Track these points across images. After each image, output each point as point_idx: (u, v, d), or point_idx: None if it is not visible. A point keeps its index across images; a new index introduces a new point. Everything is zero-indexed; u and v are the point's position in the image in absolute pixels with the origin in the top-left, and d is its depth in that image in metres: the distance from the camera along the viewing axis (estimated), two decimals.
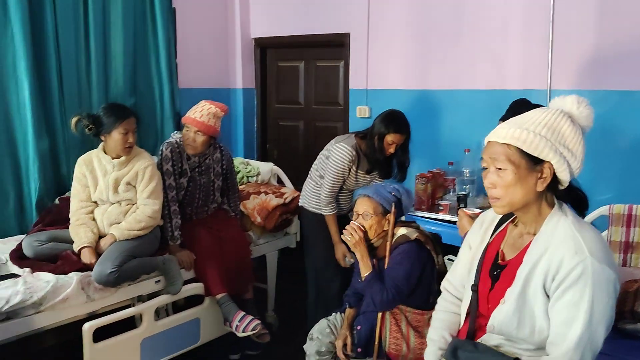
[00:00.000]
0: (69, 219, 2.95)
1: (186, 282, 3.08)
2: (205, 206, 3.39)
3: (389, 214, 2.59)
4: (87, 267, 2.75)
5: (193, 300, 3.18)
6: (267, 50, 4.88)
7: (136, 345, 2.84)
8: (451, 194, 3.59)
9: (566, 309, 1.42)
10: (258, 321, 3.05)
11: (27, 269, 2.68)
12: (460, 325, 1.78)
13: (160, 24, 3.98)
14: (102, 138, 2.94)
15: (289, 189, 3.98)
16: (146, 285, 2.95)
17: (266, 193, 3.77)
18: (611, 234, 2.78)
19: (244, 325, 3.03)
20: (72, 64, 3.51)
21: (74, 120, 2.94)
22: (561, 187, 1.53)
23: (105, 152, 2.97)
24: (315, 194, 3.36)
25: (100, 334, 2.69)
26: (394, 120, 3.11)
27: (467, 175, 3.54)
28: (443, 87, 3.83)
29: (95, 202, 2.99)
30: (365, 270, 2.53)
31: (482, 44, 3.63)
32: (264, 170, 4.20)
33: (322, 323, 2.72)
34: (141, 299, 2.96)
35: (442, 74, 3.82)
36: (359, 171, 3.26)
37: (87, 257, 2.78)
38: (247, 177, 4.19)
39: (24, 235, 3.02)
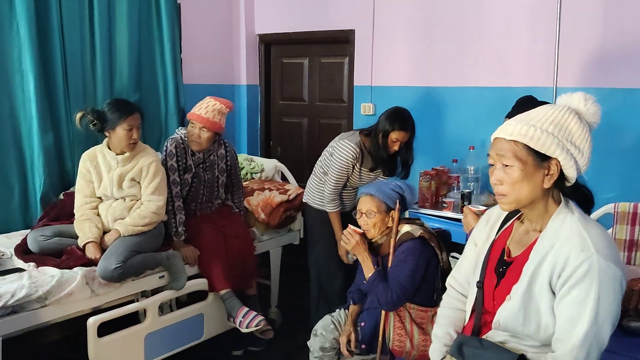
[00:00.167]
0: (74, 214, 2.96)
1: (190, 278, 3.08)
2: (209, 202, 3.39)
3: (392, 211, 2.59)
4: (92, 262, 2.76)
5: (196, 296, 3.18)
6: (271, 47, 4.87)
7: (140, 340, 2.84)
8: (455, 191, 3.58)
9: (572, 306, 1.42)
10: (261, 317, 3.06)
11: (32, 264, 2.69)
12: (465, 322, 1.78)
13: (165, 19, 3.98)
14: (107, 134, 2.94)
15: (292, 185, 3.98)
16: (150, 280, 2.96)
17: (270, 189, 3.78)
18: (616, 232, 2.77)
19: (248, 321, 3.03)
20: (77, 58, 3.51)
21: (78, 115, 2.94)
22: (568, 184, 1.53)
23: (109, 148, 2.97)
24: (319, 191, 3.37)
25: (105, 329, 2.70)
26: (399, 118, 3.11)
27: (472, 172, 3.53)
28: (448, 84, 3.82)
29: (100, 198, 3.00)
30: (368, 271, 2.55)
31: (488, 41, 3.62)
32: (267, 167, 4.20)
33: (326, 319, 2.72)
34: (145, 294, 2.96)
35: (447, 71, 3.81)
36: (362, 168, 3.25)
37: (91, 252, 2.78)
38: (251, 173, 4.19)
39: (28, 230, 3.03)
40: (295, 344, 3.37)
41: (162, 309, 3.02)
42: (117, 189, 2.95)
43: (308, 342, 2.71)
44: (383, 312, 2.53)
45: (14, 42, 3.21)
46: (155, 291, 2.99)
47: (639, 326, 2.29)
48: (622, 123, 3.19)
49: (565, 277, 1.44)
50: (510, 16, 3.52)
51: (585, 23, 3.25)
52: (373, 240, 2.61)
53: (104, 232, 2.92)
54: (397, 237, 2.56)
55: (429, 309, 2.52)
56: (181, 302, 3.30)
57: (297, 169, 4.36)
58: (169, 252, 3.02)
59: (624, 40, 3.16)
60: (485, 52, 3.65)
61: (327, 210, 3.30)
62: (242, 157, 4.24)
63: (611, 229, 2.78)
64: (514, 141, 1.49)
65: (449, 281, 1.93)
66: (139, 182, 2.98)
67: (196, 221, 3.27)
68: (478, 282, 1.68)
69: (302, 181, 3.99)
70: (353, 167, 3.22)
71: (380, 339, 2.55)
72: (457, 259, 1.94)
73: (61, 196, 3.39)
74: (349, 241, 2.56)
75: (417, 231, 2.52)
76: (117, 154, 2.95)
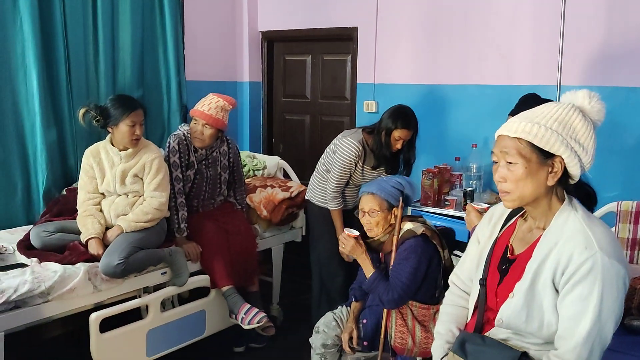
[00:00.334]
0: (77, 210, 2.96)
1: (192, 275, 3.09)
2: (211, 199, 3.39)
3: (394, 208, 2.60)
4: (94, 258, 2.76)
5: (198, 293, 3.19)
6: (274, 44, 4.87)
7: (142, 336, 2.85)
8: (457, 189, 3.58)
9: (575, 303, 1.42)
10: (263, 314, 3.06)
11: (35, 259, 2.70)
12: (467, 319, 1.78)
13: (168, 16, 3.98)
14: (110, 130, 2.94)
15: (295, 182, 3.98)
16: (152, 276, 2.96)
17: (272, 187, 3.78)
18: (619, 230, 2.77)
19: (250, 317, 3.04)
20: (80, 55, 3.51)
21: (81, 111, 2.94)
22: (572, 182, 1.53)
23: (112, 144, 2.97)
24: (321, 188, 3.37)
25: (107, 325, 2.70)
26: (402, 116, 3.10)
27: (474, 170, 3.53)
28: (451, 82, 3.82)
29: (103, 194, 3.00)
30: (368, 272, 2.57)
31: (492, 39, 3.61)
32: (270, 164, 4.20)
33: (328, 316, 2.72)
34: (147, 290, 2.97)
35: (450, 69, 3.80)
36: (365, 166, 3.25)
37: (94, 248, 2.79)
38: (254, 170, 4.19)
39: (31, 226, 3.04)
40: (296, 341, 3.37)
41: (164, 305, 3.03)
42: (120, 185, 2.95)
43: (310, 339, 2.72)
44: (385, 310, 2.54)
45: (17, 38, 3.21)
46: (157, 287, 3.00)
47: None
48: (626, 121, 3.18)
49: (568, 275, 1.44)
50: (514, 14, 3.51)
51: (589, 21, 3.24)
52: (376, 238, 2.62)
53: (107, 228, 2.92)
54: (400, 235, 2.56)
55: (431, 306, 2.52)
56: (183, 299, 3.31)
57: (299, 166, 4.36)
58: (171, 249, 3.02)
59: (627, 38, 3.15)
60: (488, 49, 3.64)
61: (330, 208, 3.30)
62: (245, 154, 4.24)
63: (614, 227, 2.78)
64: (518, 138, 1.49)
65: (452, 278, 1.93)
66: (141, 178, 2.99)
67: (198, 218, 3.27)
68: (481, 279, 1.68)
69: (304, 178, 4.00)
70: (355, 165, 3.22)
71: (382, 336, 2.55)
72: (460, 257, 1.94)
73: (64, 192, 3.40)
74: (345, 246, 2.63)
75: (419, 229, 2.52)
76: (120, 150, 2.95)
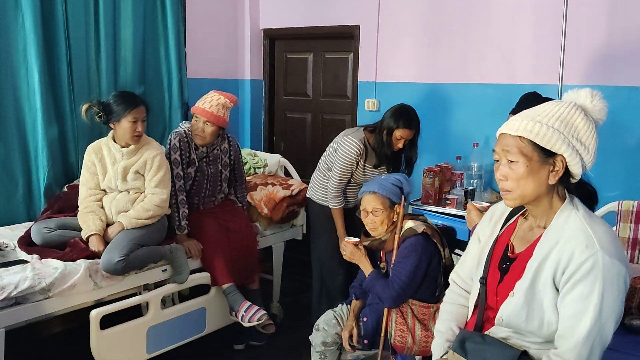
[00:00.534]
0: (78, 207, 2.96)
1: (192, 272, 3.09)
2: (212, 196, 3.39)
3: (396, 205, 2.60)
4: (95, 255, 2.76)
5: (199, 290, 3.19)
6: (276, 42, 4.86)
7: (142, 333, 2.85)
8: (458, 188, 3.58)
9: (576, 302, 1.42)
10: (264, 312, 3.06)
11: (36, 256, 2.70)
12: (468, 318, 1.78)
13: (170, 13, 3.98)
14: (112, 126, 2.95)
15: (296, 180, 3.98)
16: (153, 274, 2.96)
17: (273, 184, 3.78)
18: (620, 230, 2.77)
19: (250, 315, 3.04)
20: (82, 51, 3.51)
21: (84, 107, 2.94)
22: (573, 181, 1.53)
23: (114, 141, 2.97)
24: (322, 186, 3.37)
25: (107, 322, 2.71)
26: (404, 116, 3.10)
27: (475, 169, 3.52)
28: (452, 80, 3.81)
29: (104, 190, 3.00)
30: (367, 272, 2.60)
31: (493, 38, 3.61)
32: (271, 162, 4.20)
33: (328, 314, 2.73)
34: (148, 287, 2.97)
35: (451, 68, 3.80)
36: (366, 165, 3.25)
37: (95, 244, 2.79)
38: (255, 168, 4.19)
39: (32, 222, 3.04)
40: (297, 339, 3.38)
41: (165, 302, 3.03)
42: (121, 181, 2.95)
43: (310, 337, 2.72)
44: (385, 308, 2.54)
45: (19, 35, 3.21)
46: (157, 284, 3.00)
47: None
48: (627, 121, 3.17)
49: (569, 274, 1.43)
50: (516, 13, 3.51)
51: (591, 21, 3.24)
52: (377, 237, 2.62)
53: (108, 225, 2.93)
54: (401, 233, 2.56)
55: (431, 305, 2.52)
56: (183, 296, 3.31)
57: (300, 164, 4.36)
58: (172, 246, 3.02)
59: (629, 38, 3.14)
60: (490, 48, 3.63)
61: (331, 206, 3.30)
62: (246, 152, 4.24)
63: (615, 227, 2.78)
64: (520, 137, 1.49)
65: (452, 277, 1.93)
66: (143, 175, 2.99)
67: (199, 215, 3.27)
68: (481, 278, 1.68)
69: (305, 176, 3.99)
70: (357, 164, 3.22)
71: (382, 334, 2.55)
72: (460, 256, 1.94)
73: (65, 189, 3.40)
74: (345, 251, 2.72)
75: (420, 227, 2.53)
76: (122, 147, 2.95)
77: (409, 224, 2.58)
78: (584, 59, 3.28)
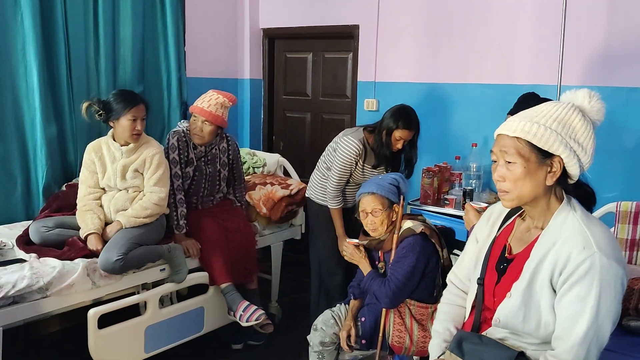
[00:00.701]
0: (76, 206, 2.96)
1: (191, 271, 3.09)
2: (211, 196, 3.39)
3: (395, 205, 2.60)
4: (93, 254, 2.76)
5: (197, 289, 3.19)
6: (275, 41, 4.86)
7: (140, 332, 2.85)
8: (457, 188, 3.58)
9: (573, 303, 1.42)
10: (262, 311, 3.06)
11: (34, 255, 2.69)
12: (465, 318, 1.78)
13: (169, 12, 3.97)
14: (111, 124, 2.95)
15: (295, 180, 3.98)
16: (151, 273, 2.96)
17: (272, 184, 3.77)
18: (618, 231, 2.77)
19: (248, 315, 3.04)
20: (81, 50, 3.51)
21: (84, 105, 2.95)
22: (570, 182, 1.53)
23: (114, 139, 2.97)
24: (321, 186, 3.36)
25: (105, 321, 2.70)
26: (404, 116, 3.10)
27: (474, 170, 3.52)
28: (452, 80, 3.81)
29: (103, 189, 3.00)
30: (365, 272, 2.62)
31: (493, 38, 3.61)
32: (270, 162, 4.20)
33: (327, 314, 2.73)
34: (146, 286, 2.96)
35: (451, 68, 3.80)
36: (365, 165, 3.25)
37: (93, 243, 2.78)
38: (253, 167, 4.19)
39: (30, 221, 3.03)
40: (295, 339, 3.38)
41: (163, 301, 3.02)
42: (120, 180, 2.95)
43: (308, 337, 2.72)
44: (383, 309, 2.54)
45: (18, 33, 3.21)
46: (156, 284, 2.99)
47: (638, 325, 2.28)
48: (626, 122, 3.17)
49: (566, 275, 1.43)
50: (515, 13, 3.51)
51: (590, 21, 3.23)
52: (376, 237, 2.62)
53: (107, 224, 2.92)
54: (399, 233, 2.57)
55: (429, 305, 2.52)
56: (182, 296, 3.31)
57: (299, 163, 4.36)
58: (170, 245, 3.02)
59: (628, 38, 3.14)
60: (489, 49, 3.63)
61: (329, 206, 3.29)
62: (245, 151, 4.24)
63: (613, 228, 2.78)
64: (517, 138, 1.49)
65: (450, 277, 1.93)
66: (142, 174, 2.99)
67: (198, 215, 3.27)
68: (479, 278, 1.68)
69: (304, 176, 3.99)
70: (356, 164, 3.22)
71: (380, 334, 2.55)
72: (459, 256, 1.94)
73: (63, 187, 3.39)
74: (346, 253, 2.75)
75: (419, 227, 2.53)
76: (121, 145, 2.95)
77: (407, 223, 2.58)
78: (583, 60, 3.28)
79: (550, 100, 1.65)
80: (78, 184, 3.06)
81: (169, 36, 4.01)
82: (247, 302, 3.09)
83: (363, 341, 2.60)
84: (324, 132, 4.58)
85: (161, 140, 3.77)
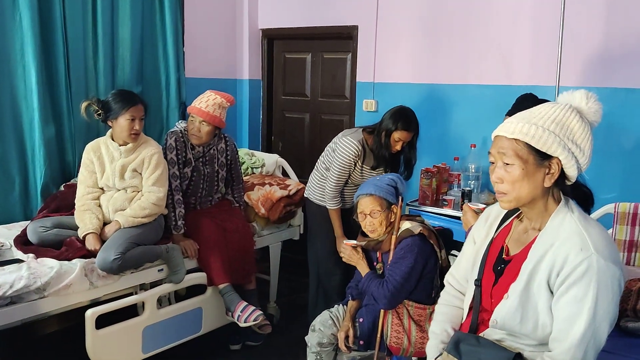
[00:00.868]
0: (74, 206, 2.96)
1: (189, 272, 3.09)
2: (209, 196, 3.39)
3: (393, 206, 2.60)
4: (91, 254, 2.76)
5: (195, 290, 3.19)
6: (274, 42, 4.86)
7: (138, 333, 2.85)
8: (456, 189, 3.58)
9: (570, 305, 1.42)
10: (260, 312, 3.06)
11: (31, 255, 2.69)
12: (462, 319, 1.77)
13: (168, 12, 3.97)
14: (110, 124, 2.95)
15: (293, 181, 3.98)
16: (149, 273, 2.96)
17: (270, 184, 3.77)
18: (616, 232, 2.77)
19: (246, 315, 3.03)
20: (79, 51, 3.50)
21: (84, 104, 2.95)
22: (568, 183, 1.52)
23: (112, 139, 2.97)
24: (320, 186, 3.36)
25: (103, 321, 2.70)
26: (403, 117, 3.10)
27: (473, 170, 3.52)
28: (450, 81, 3.81)
29: (102, 189, 3.00)
30: (364, 273, 2.61)
31: (491, 39, 3.61)
32: (268, 162, 4.20)
33: (325, 314, 2.73)
34: (144, 287, 2.96)
35: (449, 69, 3.80)
36: (364, 166, 3.25)
37: (91, 243, 2.78)
38: (252, 168, 4.19)
39: (28, 221, 3.03)
40: (293, 339, 3.38)
41: (161, 302, 3.02)
42: (119, 179, 2.95)
43: (306, 338, 2.72)
44: (382, 309, 2.54)
45: (16, 34, 3.20)
46: (154, 284, 2.99)
47: (636, 326, 2.29)
48: (624, 123, 3.17)
49: (563, 276, 1.43)
50: (514, 15, 3.51)
51: (588, 22, 3.24)
52: (374, 238, 2.62)
53: (105, 224, 2.92)
54: (398, 234, 2.56)
55: (427, 306, 2.52)
56: (180, 296, 3.31)
57: (298, 164, 4.36)
58: (168, 246, 3.02)
59: (626, 40, 3.14)
60: (488, 50, 3.63)
61: (328, 207, 3.29)
62: (243, 152, 4.23)
63: (611, 229, 2.78)
64: (516, 140, 1.48)
65: (447, 278, 1.92)
66: (140, 174, 2.98)
67: (196, 215, 3.26)
68: (476, 280, 1.68)
69: (303, 177, 3.99)
70: (355, 165, 3.22)
71: (378, 335, 2.55)
72: (457, 257, 1.94)
73: (62, 188, 3.39)
74: (344, 254, 2.74)
75: (417, 228, 2.53)
76: (120, 145, 2.95)
77: (406, 224, 2.58)
78: (581, 61, 3.29)
79: (548, 101, 1.65)
80: (76, 184, 3.06)
81: (168, 36, 4.01)
82: (245, 303, 3.08)
83: (361, 342, 2.60)
84: (322, 133, 4.58)
85: (160, 140, 3.77)
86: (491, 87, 3.65)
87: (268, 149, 4.92)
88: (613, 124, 3.13)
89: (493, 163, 1.56)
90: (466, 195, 3.33)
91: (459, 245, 2.62)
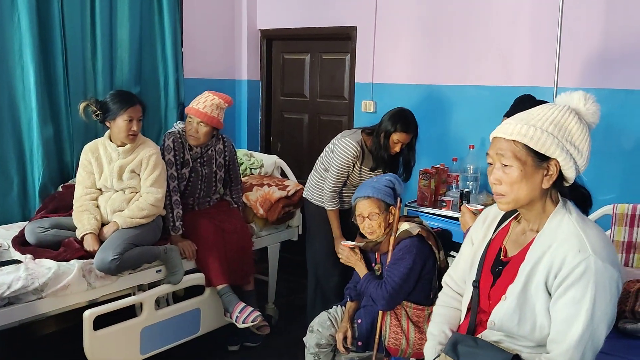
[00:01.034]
0: (72, 206, 2.95)
1: (187, 273, 3.08)
2: (207, 197, 3.39)
3: (391, 207, 2.60)
4: (89, 255, 2.75)
5: (193, 291, 3.18)
6: (273, 42, 4.86)
7: (136, 333, 2.84)
8: (454, 190, 3.57)
9: (568, 307, 1.42)
10: (258, 313, 3.06)
11: (29, 255, 2.69)
12: (460, 321, 1.77)
13: (166, 12, 3.97)
14: (108, 124, 2.94)
15: (292, 181, 3.97)
16: (147, 274, 2.95)
17: (269, 185, 3.77)
18: (614, 233, 2.76)
19: (244, 316, 3.03)
20: (77, 51, 3.50)
21: (82, 105, 2.95)
22: (566, 184, 1.52)
23: (110, 140, 2.97)
24: (319, 187, 3.36)
25: (101, 322, 2.70)
26: (402, 119, 3.10)
27: (471, 171, 3.52)
28: (449, 82, 3.81)
29: (100, 190, 2.99)
30: (362, 275, 2.61)
31: (490, 40, 3.61)
32: (267, 163, 4.19)
33: (323, 315, 2.72)
34: (142, 288, 2.96)
35: (448, 69, 3.80)
36: (363, 167, 3.25)
37: (90, 244, 2.78)
38: (251, 169, 4.18)
39: (26, 222, 3.03)
40: (291, 340, 3.38)
41: (159, 303, 3.02)
42: (117, 180, 2.95)
43: (304, 338, 2.72)
44: (380, 311, 2.53)
45: (14, 34, 3.20)
46: (152, 285, 2.99)
47: (634, 328, 2.28)
48: (622, 124, 3.17)
49: (561, 278, 1.43)
50: (512, 16, 3.51)
51: (587, 23, 3.24)
52: (373, 239, 2.62)
53: (103, 224, 2.92)
54: (396, 235, 2.56)
55: (426, 307, 2.52)
56: (178, 297, 3.30)
57: (296, 165, 4.36)
58: (166, 246, 3.01)
59: (625, 41, 3.14)
60: (487, 51, 3.63)
61: (326, 208, 3.29)
62: (242, 153, 4.23)
63: (609, 230, 2.78)
64: (514, 141, 1.48)
65: (445, 279, 1.92)
66: (138, 174, 2.98)
67: (194, 216, 3.26)
68: (474, 281, 1.67)
69: (301, 177, 3.99)
70: (353, 166, 3.22)
71: (376, 336, 2.55)
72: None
73: (60, 188, 3.39)
74: (341, 256, 2.73)
75: (415, 229, 2.52)
76: (118, 146, 2.95)
77: (404, 225, 2.58)
78: (580, 62, 3.29)
79: (547, 102, 1.64)
80: (74, 184, 3.05)
81: (167, 37, 4.00)
82: (244, 304, 3.08)
83: (359, 343, 2.60)
84: (321, 134, 4.58)
85: (158, 141, 3.76)
86: (489, 88, 3.64)
87: (267, 149, 4.92)
88: (611, 125, 3.13)
89: (491, 164, 1.55)
90: (464, 196, 3.33)
91: (457, 247, 2.61)
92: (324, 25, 4.37)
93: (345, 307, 2.74)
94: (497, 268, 1.62)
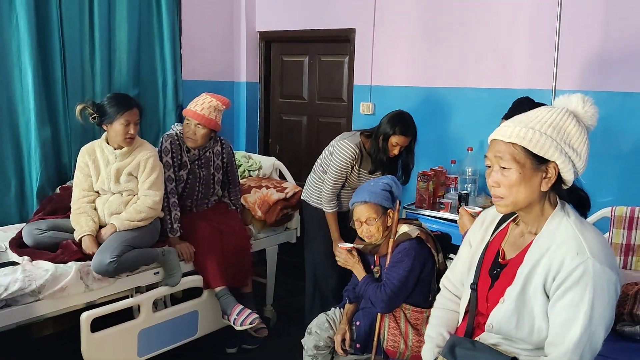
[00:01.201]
0: (70, 208, 2.95)
1: (185, 275, 3.08)
2: (205, 199, 3.38)
3: (389, 210, 2.59)
4: (87, 257, 2.75)
5: (191, 293, 3.18)
6: (271, 44, 4.86)
7: (133, 336, 2.84)
8: (453, 192, 3.57)
9: (566, 309, 1.42)
10: (256, 315, 3.05)
11: (27, 257, 2.68)
12: (458, 323, 1.77)
13: (165, 14, 3.97)
14: (105, 127, 2.94)
15: (290, 183, 3.97)
16: (145, 276, 2.95)
17: (267, 187, 3.76)
18: (612, 236, 2.77)
19: (242, 318, 3.03)
20: (76, 53, 3.50)
21: (79, 107, 2.93)
22: (565, 187, 1.52)
23: (107, 143, 2.96)
24: (317, 189, 3.36)
25: (98, 324, 2.69)
26: (401, 122, 3.10)
27: (470, 174, 3.52)
28: (448, 84, 3.81)
29: (97, 192, 2.99)
30: (360, 277, 2.60)
31: (489, 42, 3.61)
32: (265, 165, 4.19)
33: (321, 317, 2.72)
34: (139, 290, 2.95)
35: (447, 72, 3.80)
36: (361, 170, 3.24)
37: (88, 245, 2.77)
38: (249, 170, 4.18)
39: (24, 224, 3.02)
40: (289, 342, 3.36)
41: (157, 305, 3.01)
42: (114, 183, 2.94)
43: (302, 340, 2.71)
44: (378, 313, 2.53)
45: (13, 35, 3.20)
46: (149, 287, 2.98)
47: (632, 331, 2.28)
48: (621, 127, 3.18)
49: (559, 281, 1.43)
50: (511, 18, 3.51)
51: (586, 26, 3.24)
52: (372, 242, 2.61)
53: (101, 227, 2.91)
54: (395, 238, 2.56)
55: (424, 310, 2.52)
56: (176, 299, 3.30)
57: (295, 167, 4.36)
58: (164, 248, 3.01)
59: (623, 43, 3.15)
60: (485, 53, 3.64)
61: (325, 210, 3.29)
62: (240, 154, 4.23)
63: (608, 233, 2.78)
64: (513, 144, 1.48)
65: (443, 282, 1.92)
66: (136, 177, 2.98)
67: (192, 218, 3.26)
68: (472, 283, 1.67)
69: (300, 179, 3.99)
70: (352, 168, 3.21)
71: (375, 338, 2.55)
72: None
73: (57, 190, 3.38)
74: (339, 258, 2.71)
75: (414, 232, 2.52)
76: (115, 149, 2.94)
77: (403, 228, 2.58)
78: (578, 64, 3.29)
79: (545, 105, 1.65)
80: (72, 186, 3.05)
81: (165, 39, 4.00)
82: (242, 306, 3.08)
83: (358, 345, 2.59)
84: (320, 136, 4.58)
85: (156, 143, 3.76)
86: (488, 90, 3.65)
87: (265, 151, 4.92)
88: (610, 127, 3.13)
89: (490, 167, 1.55)
90: (463, 199, 3.33)
91: (457, 249, 2.61)
92: (323, 28, 4.37)
93: (343, 309, 2.73)
94: (495, 270, 1.62)
